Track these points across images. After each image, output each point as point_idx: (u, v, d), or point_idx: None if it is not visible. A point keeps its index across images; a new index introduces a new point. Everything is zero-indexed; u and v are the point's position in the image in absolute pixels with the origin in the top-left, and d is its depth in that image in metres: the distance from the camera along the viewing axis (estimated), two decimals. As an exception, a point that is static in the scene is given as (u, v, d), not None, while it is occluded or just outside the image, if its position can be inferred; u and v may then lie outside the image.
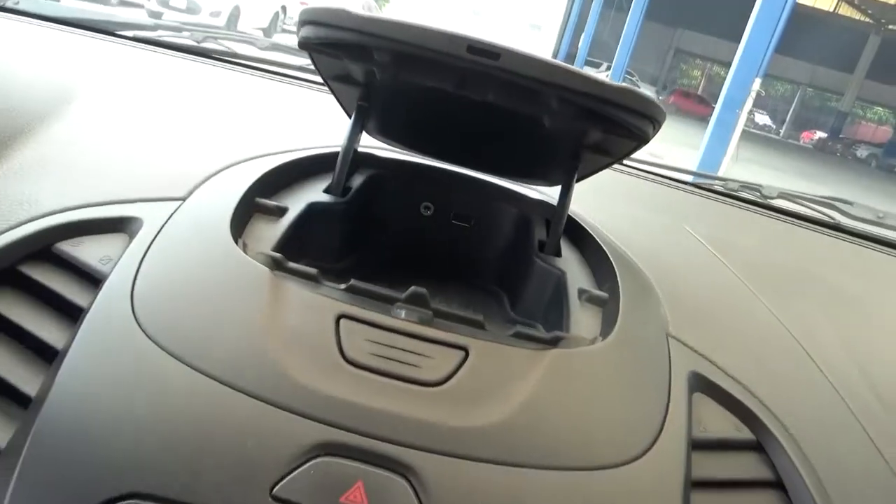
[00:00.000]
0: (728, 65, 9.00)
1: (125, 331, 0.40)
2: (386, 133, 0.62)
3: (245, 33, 1.26)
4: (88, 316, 0.41)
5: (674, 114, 20.40)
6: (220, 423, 0.37)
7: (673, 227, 0.76)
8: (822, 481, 0.45)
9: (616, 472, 0.40)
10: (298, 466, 0.36)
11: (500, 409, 0.40)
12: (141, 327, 0.40)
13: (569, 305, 0.52)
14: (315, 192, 0.57)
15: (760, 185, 1.11)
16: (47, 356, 0.42)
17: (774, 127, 25.74)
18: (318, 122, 0.81)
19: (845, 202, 1.10)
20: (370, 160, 0.63)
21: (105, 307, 0.42)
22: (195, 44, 1.08)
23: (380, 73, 0.46)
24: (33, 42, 0.68)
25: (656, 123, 0.47)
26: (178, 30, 1.17)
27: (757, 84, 8.62)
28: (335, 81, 0.54)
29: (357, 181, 0.60)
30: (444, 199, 0.65)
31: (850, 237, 0.97)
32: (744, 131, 9.15)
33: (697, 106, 20.88)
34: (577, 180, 0.59)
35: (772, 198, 1.08)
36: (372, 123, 0.60)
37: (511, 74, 0.42)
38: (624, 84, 0.44)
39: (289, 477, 0.36)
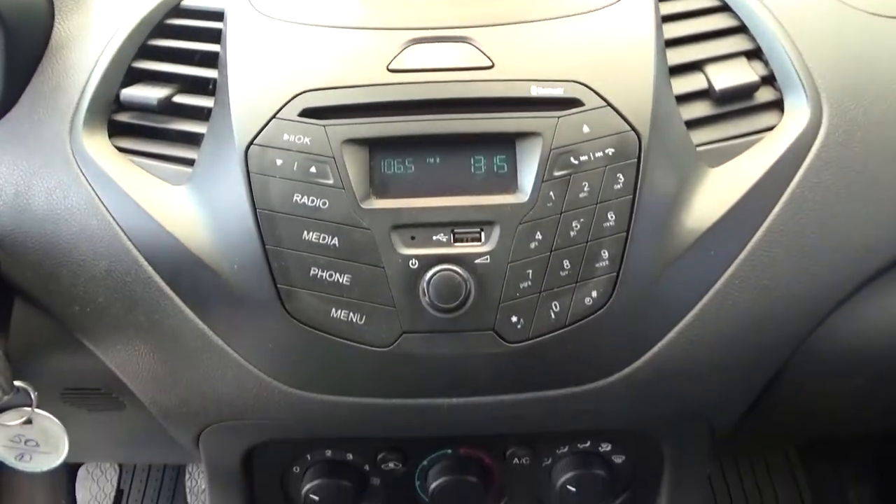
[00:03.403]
0: None
1: (255, 19, 0.58)
2: None
3: None
4: (228, 23, 0.59)
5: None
6: (341, 39, 0.56)
7: None
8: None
9: (608, 10, 0.58)
10: (400, 52, 0.56)
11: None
12: (264, 14, 0.58)
13: None
14: None
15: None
16: (213, 64, 0.61)
17: None
18: None
19: None
20: None
21: (236, 15, 0.59)
22: None
23: None
24: None
25: None
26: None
27: None
28: None
29: None
30: None
31: None
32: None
33: None
34: None
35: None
36: None
37: None
38: None
39: (394, 59, 0.55)
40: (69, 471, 1.51)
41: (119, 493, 1.47)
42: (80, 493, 1.46)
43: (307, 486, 0.67)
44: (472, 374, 0.56)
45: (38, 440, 0.65)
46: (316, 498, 0.68)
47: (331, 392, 0.58)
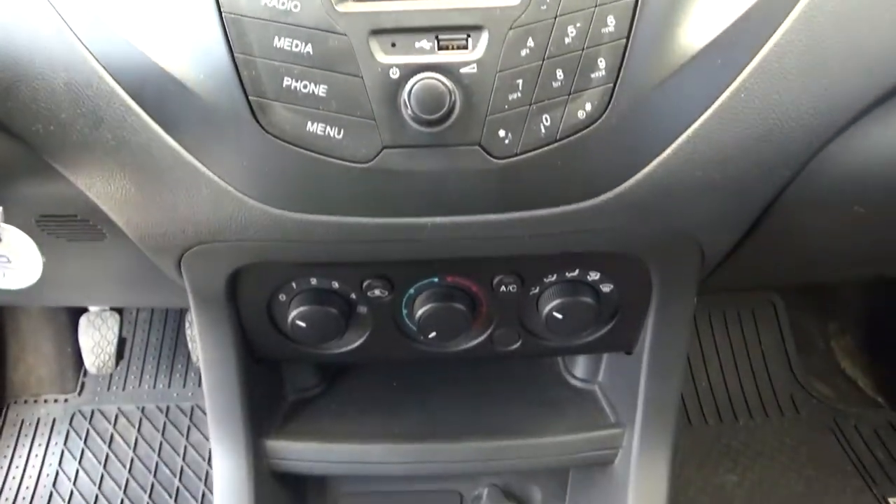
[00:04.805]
0: None
1: None
2: None
3: None
4: None
5: None
6: None
7: None
8: None
9: None
10: None
11: None
12: None
13: None
14: None
15: None
16: None
17: None
18: None
19: None
20: None
21: None
22: None
23: None
24: None
25: None
26: None
27: None
28: None
29: None
30: None
31: None
32: None
33: None
34: None
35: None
36: None
37: None
38: None
39: None
40: (71, 320, 1.55)
41: (121, 341, 1.51)
42: (83, 342, 1.50)
43: (294, 313, 0.68)
44: (456, 191, 0.54)
45: (8, 256, 0.65)
46: (303, 325, 0.68)
47: (309, 211, 0.56)
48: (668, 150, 0.54)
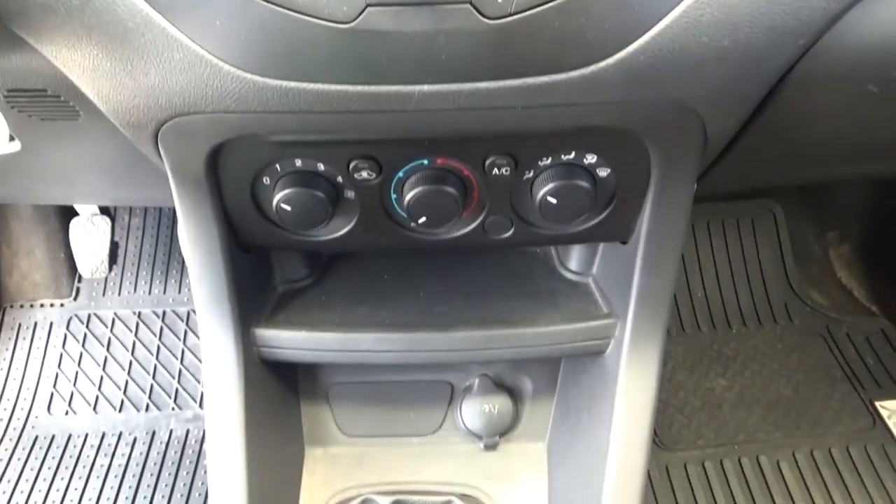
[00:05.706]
0: None
1: None
2: None
3: None
4: None
5: None
6: None
7: None
8: None
9: None
10: None
11: None
12: None
13: None
14: None
15: None
16: None
17: None
18: None
19: None
20: None
21: None
22: None
23: None
24: None
25: None
26: None
27: None
28: None
29: None
30: None
31: None
32: None
33: None
34: None
35: None
36: None
37: None
38: None
39: None
40: (62, 224, 1.53)
41: (114, 245, 1.50)
42: (76, 246, 1.49)
43: (278, 196, 0.65)
44: (445, 55, 0.50)
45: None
46: (288, 208, 0.65)
47: (289, 77, 0.52)
48: (674, 12, 0.50)
